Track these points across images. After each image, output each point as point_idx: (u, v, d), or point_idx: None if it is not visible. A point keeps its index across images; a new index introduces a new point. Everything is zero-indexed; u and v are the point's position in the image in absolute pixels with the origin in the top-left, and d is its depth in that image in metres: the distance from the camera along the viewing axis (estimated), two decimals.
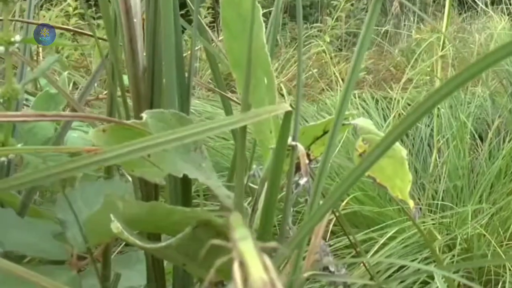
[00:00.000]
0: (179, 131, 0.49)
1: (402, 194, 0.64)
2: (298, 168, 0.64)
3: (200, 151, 0.63)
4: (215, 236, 0.56)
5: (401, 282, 1.79)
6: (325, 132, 0.66)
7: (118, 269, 0.76)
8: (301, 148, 0.58)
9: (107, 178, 0.72)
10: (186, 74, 0.66)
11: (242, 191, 0.54)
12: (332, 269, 0.58)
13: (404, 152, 0.64)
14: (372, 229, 1.98)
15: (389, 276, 1.84)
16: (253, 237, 0.34)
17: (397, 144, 0.65)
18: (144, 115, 0.56)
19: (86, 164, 0.46)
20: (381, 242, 1.91)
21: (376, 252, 1.90)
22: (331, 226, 1.96)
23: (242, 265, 0.30)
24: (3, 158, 0.56)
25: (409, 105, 2.97)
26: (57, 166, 0.45)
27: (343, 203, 2.06)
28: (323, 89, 3.65)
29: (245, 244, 0.31)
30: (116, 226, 0.49)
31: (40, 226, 0.64)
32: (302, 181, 0.59)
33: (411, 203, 0.64)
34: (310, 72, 4.04)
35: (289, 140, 0.60)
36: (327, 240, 2.04)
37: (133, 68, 0.65)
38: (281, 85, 3.36)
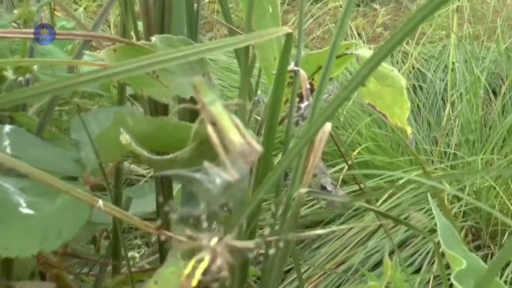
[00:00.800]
0: (185, 49, 0.52)
1: (400, 121, 0.67)
2: (302, 98, 0.67)
3: (208, 78, 0.65)
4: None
5: (407, 230, 1.83)
6: None
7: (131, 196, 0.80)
8: (302, 73, 0.61)
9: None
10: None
11: (244, 110, 0.57)
12: (329, 188, 0.61)
13: (403, 81, 0.67)
14: (381, 177, 2.01)
15: (396, 225, 1.88)
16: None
17: (397, 73, 0.67)
18: (153, 38, 0.59)
19: (96, 77, 0.49)
20: (391, 191, 1.95)
21: (385, 201, 1.93)
22: (342, 175, 2.00)
23: (215, 126, 0.33)
24: (20, 78, 0.60)
25: (423, 59, 2.98)
26: (70, 78, 0.48)
27: (355, 153, 2.09)
28: None
29: (216, 108, 0.34)
30: (125, 137, 0.53)
31: (56, 146, 0.68)
32: (303, 105, 0.62)
33: (408, 129, 0.66)
34: (327, 27, 4.04)
35: (292, 66, 0.62)
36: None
37: None
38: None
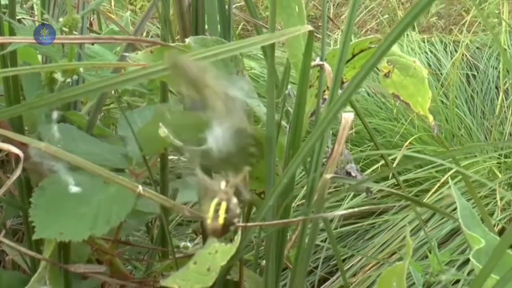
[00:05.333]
0: (215, 48, 0.57)
1: (422, 109, 0.71)
2: None
3: (242, 74, 0.70)
4: (254, 144, 0.64)
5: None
6: (354, 55, 0.73)
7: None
8: (327, 66, 0.66)
9: None
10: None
11: (273, 103, 0.62)
12: (354, 174, 0.65)
13: (425, 72, 0.70)
14: (432, 165, 2.02)
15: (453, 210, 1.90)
16: None
17: (419, 64, 0.71)
18: (187, 39, 0.64)
19: (134, 77, 0.54)
20: (442, 180, 1.96)
21: (436, 191, 1.95)
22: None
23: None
24: (68, 79, 0.66)
25: (476, 47, 2.96)
26: (111, 78, 0.54)
27: (407, 143, 2.11)
28: None
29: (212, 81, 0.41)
30: (163, 131, 0.58)
31: (104, 141, 0.74)
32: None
33: (430, 117, 0.70)
34: (380, 19, 4.05)
35: (317, 61, 0.67)
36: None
37: (179, 4, 0.73)
38: None
